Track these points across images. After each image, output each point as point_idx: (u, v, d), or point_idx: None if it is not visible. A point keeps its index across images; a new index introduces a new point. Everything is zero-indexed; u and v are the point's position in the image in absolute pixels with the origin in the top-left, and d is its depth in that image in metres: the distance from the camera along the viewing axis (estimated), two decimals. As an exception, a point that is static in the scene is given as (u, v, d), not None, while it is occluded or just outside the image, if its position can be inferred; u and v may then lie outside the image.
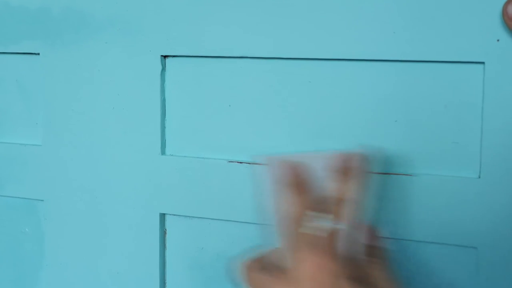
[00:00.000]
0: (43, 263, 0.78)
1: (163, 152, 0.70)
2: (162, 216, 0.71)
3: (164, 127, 0.70)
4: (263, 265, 0.53)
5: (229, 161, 0.67)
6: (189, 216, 0.70)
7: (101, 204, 0.73)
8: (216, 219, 0.69)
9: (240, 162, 0.66)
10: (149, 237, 0.71)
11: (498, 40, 0.56)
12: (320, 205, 0.53)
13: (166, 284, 0.72)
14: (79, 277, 0.75)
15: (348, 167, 0.54)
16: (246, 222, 0.67)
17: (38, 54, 0.74)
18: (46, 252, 0.77)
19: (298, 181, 0.55)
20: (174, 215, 0.71)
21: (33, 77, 0.75)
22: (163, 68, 0.69)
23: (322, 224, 0.51)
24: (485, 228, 0.58)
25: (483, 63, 0.57)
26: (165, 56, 0.69)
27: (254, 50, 0.64)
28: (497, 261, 0.58)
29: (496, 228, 0.57)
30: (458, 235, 0.59)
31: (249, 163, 0.66)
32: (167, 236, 0.72)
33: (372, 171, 0.57)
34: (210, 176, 0.67)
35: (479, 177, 0.58)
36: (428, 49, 0.58)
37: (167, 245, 0.72)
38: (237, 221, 0.68)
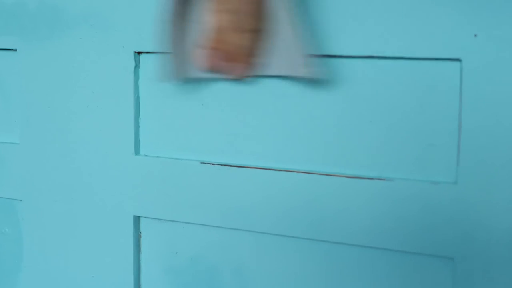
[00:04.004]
0: (21, 265, 0.80)
1: (137, 152, 0.71)
2: (137, 218, 0.72)
3: (138, 126, 0.71)
4: None
5: (201, 162, 0.67)
6: (163, 219, 0.71)
7: (76, 206, 0.74)
8: (189, 223, 0.69)
9: (213, 164, 0.67)
10: (123, 240, 0.72)
11: (475, 35, 0.55)
12: None
13: (141, 289, 0.74)
14: (56, 280, 0.77)
15: None
16: (218, 227, 0.68)
17: (16, 50, 0.76)
18: (24, 254, 0.79)
19: None
20: (149, 217, 0.72)
21: (11, 74, 0.78)
22: (137, 65, 0.70)
23: None
24: (462, 237, 0.57)
25: (459, 60, 0.56)
26: (138, 52, 0.70)
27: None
28: (475, 273, 0.56)
29: (474, 237, 0.56)
30: (433, 244, 0.58)
31: (221, 165, 0.66)
32: (142, 239, 0.73)
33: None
34: (183, 178, 0.68)
35: (456, 182, 0.57)
36: (401, 45, 0.57)
37: (142, 248, 0.73)
38: (210, 225, 0.68)
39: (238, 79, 0.63)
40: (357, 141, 0.60)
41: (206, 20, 0.61)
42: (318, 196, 0.62)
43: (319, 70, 0.59)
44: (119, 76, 0.70)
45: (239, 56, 0.61)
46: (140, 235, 0.73)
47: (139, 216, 0.72)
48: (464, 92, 0.55)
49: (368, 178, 0.60)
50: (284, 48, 0.59)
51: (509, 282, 0.55)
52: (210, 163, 0.67)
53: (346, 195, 0.60)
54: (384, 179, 0.59)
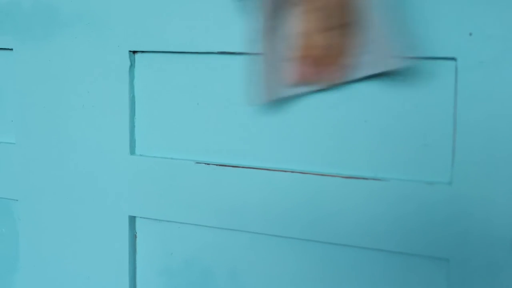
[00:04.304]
0: (17, 265, 0.80)
1: (132, 152, 0.71)
2: (132, 219, 0.72)
3: (134, 125, 0.71)
4: None
5: (197, 162, 0.67)
6: (158, 220, 0.71)
7: (72, 206, 0.74)
8: (184, 223, 0.69)
9: (208, 164, 0.66)
10: (119, 241, 0.72)
11: (470, 34, 0.54)
12: None
13: (136, 290, 0.74)
14: (52, 280, 0.77)
15: None
16: (213, 227, 0.67)
17: (12, 49, 0.76)
18: (20, 254, 0.79)
19: None
20: (144, 218, 0.71)
21: (7, 74, 0.78)
22: (132, 64, 0.70)
23: None
24: (457, 238, 0.56)
25: (454, 59, 0.55)
26: (134, 52, 0.70)
27: (223, 45, 0.64)
28: (470, 275, 0.56)
29: (469, 238, 0.56)
30: (428, 245, 0.57)
31: (216, 165, 0.66)
32: (137, 240, 0.73)
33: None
34: (178, 178, 0.68)
35: (451, 183, 0.56)
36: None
37: (137, 249, 0.73)
38: (205, 226, 0.68)
39: (331, 87, 0.59)
40: (352, 141, 0.60)
41: (294, 28, 0.58)
42: (313, 196, 0.61)
43: (406, 61, 0.56)
44: (115, 75, 0.70)
45: (328, 58, 0.57)
46: (135, 235, 0.72)
47: (134, 216, 0.72)
48: (459, 91, 0.55)
49: (363, 178, 0.59)
50: (373, 43, 0.56)
51: (504, 283, 0.55)
52: (205, 163, 0.66)
53: (341, 195, 0.60)
54: (379, 179, 0.59)
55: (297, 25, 0.57)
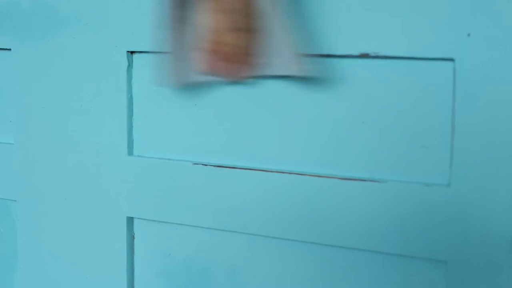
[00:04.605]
0: (16, 266, 0.80)
1: (130, 152, 0.71)
2: (130, 220, 0.72)
3: (132, 126, 0.71)
4: None
5: (194, 163, 0.67)
6: (156, 221, 0.71)
7: (70, 206, 0.74)
8: (182, 224, 0.69)
9: (205, 165, 0.66)
10: (116, 242, 0.72)
11: (468, 35, 0.54)
12: None
13: (134, 291, 0.73)
14: (50, 281, 0.77)
15: None
16: (211, 228, 0.67)
17: (10, 49, 0.76)
18: (19, 254, 0.79)
19: None
20: (142, 219, 0.71)
21: (5, 74, 0.78)
22: (130, 65, 0.69)
23: None
24: (455, 240, 0.56)
25: (452, 59, 0.55)
26: (131, 52, 0.69)
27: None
28: (468, 277, 0.56)
29: (468, 240, 0.56)
30: (426, 247, 0.57)
31: (214, 166, 0.66)
32: (135, 241, 0.73)
33: None
34: (176, 179, 0.68)
35: (449, 184, 0.56)
36: (394, 44, 0.56)
37: (135, 250, 0.73)
38: (203, 227, 0.68)
39: (236, 81, 0.63)
40: (350, 142, 0.60)
41: (203, 22, 0.61)
42: (310, 197, 0.61)
43: (312, 69, 0.58)
44: (113, 76, 0.70)
45: (237, 56, 0.60)
46: (133, 236, 0.72)
47: (132, 217, 0.72)
48: (457, 93, 0.55)
49: (360, 180, 0.59)
50: (278, 47, 0.59)
51: (503, 285, 0.55)
52: (203, 164, 0.66)
53: (339, 196, 0.60)
54: (376, 181, 0.58)
55: (206, 19, 0.61)
